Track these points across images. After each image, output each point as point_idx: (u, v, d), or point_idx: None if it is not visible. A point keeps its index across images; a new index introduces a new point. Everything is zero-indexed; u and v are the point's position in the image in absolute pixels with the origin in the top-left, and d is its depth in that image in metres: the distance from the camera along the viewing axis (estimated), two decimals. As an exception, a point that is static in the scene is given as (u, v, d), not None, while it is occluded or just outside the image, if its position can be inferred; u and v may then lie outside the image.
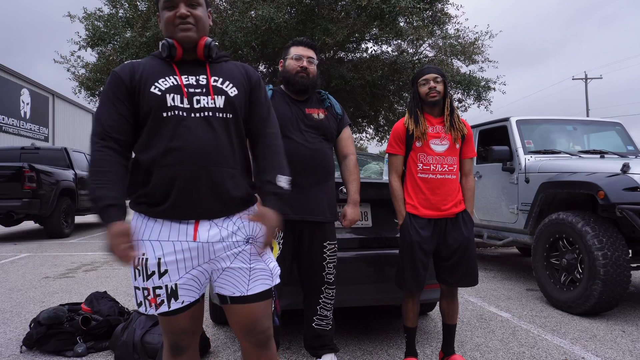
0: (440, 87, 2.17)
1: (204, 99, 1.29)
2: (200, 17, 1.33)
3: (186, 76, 1.31)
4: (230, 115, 1.32)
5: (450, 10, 14.87)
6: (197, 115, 1.27)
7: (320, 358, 2.23)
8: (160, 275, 1.25)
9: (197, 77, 1.32)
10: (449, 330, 2.29)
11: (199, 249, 1.27)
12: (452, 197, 2.18)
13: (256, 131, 1.42)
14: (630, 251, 3.41)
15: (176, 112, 1.26)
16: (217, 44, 1.38)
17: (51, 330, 2.51)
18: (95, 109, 11.85)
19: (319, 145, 2.16)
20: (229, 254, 1.31)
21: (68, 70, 10.98)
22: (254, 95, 1.42)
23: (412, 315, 2.27)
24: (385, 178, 2.98)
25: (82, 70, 10.94)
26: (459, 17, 18.98)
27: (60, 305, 2.78)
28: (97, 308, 2.75)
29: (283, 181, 1.38)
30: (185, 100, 1.27)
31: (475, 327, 3.05)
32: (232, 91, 1.34)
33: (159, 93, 1.26)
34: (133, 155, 1.33)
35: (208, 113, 1.28)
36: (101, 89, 11.08)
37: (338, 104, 2.35)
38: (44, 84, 23.76)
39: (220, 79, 1.34)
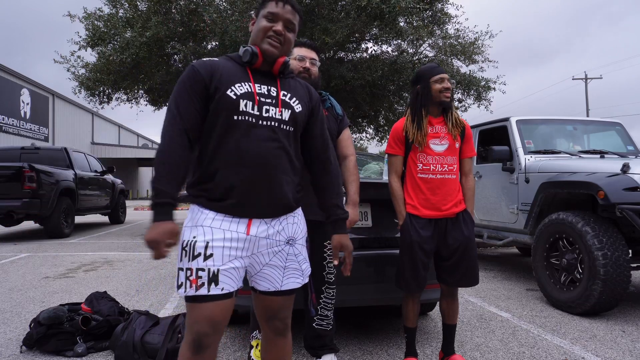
0: (452, 88, 2.18)
1: (272, 110, 1.39)
2: (290, 40, 1.45)
3: (259, 85, 1.40)
4: (292, 129, 1.43)
5: (450, 10, 14.90)
6: (265, 123, 1.37)
7: (320, 358, 2.23)
8: (206, 257, 1.30)
9: (269, 88, 1.42)
10: (449, 330, 2.29)
11: (247, 241, 1.36)
12: (452, 197, 2.17)
13: (318, 150, 1.55)
14: (630, 251, 3.41)
15: (247, 117, 1.34)
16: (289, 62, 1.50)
17: (51, 330, 2.51)
18: (93, 107, 11.84)
19: None
20: (270, 251, 1.41)
21: (68, 70, 10.97)
22: (315, 115, 1.54)
23: (412, 315, 2.27)
24: (385, 178, 2.98)
25: (82, 70, 10.93)
26: (459, 17, 19.00)
27: (60, 305, 2.78)
28: (97, 308, 2.76)
29: (342, 203, 1.55)
30: (256, 108, 1.36)
31: (475, 327, 3.05)
32: (298, 107, 1.45)
33: (234, 97, 1.34)
34: (199, 151, 1.39)
35: (274, 123, 1.38)
36: (101, 89, 11.10)
37: (338, 104, 2.35)
38: (44, 83, 23.78)
39: (289, 95, 1.45)
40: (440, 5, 10.01)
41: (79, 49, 10.28)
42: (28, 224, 10.33)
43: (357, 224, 2.60)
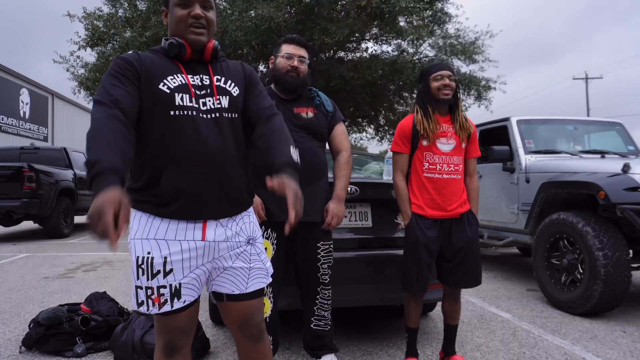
0: (453, 85, 2.13)
1: (209, 100, 1.30)
2: (212, 20, 1.33)
3: (191, 76, 1.31)
4: (235, 115, 1.34)
5: (451, 9, 14.88)
6: (206, 116, 1.28)
7: (320, 358, 2.22)
8: (166, 274, 1.25)
9: (201, 77, 1.32)
10: (450, 331, 2.28)
11: (205, 248, 1.29)
12: (458, 197, 2.16)
13: (258, 113, 1.37)
14: (630, 251, 3.40)
15: (184, 111, 1.25)
16: (219, 45, 1.38)
17: (50, 331, 2.50)
18: (90, 107, 11.87)
19: (308, 144, 2.11)
20: (231, 254, 1.34)
21: (67, 70, 10.97)
22: (251, 89, 1.42)
23: (414, 315, 2.25)
24: (385, 178, 2.97)
25: (82, 70, 10.93)
26: (459, 16, 18.99)
27: (60, 305, 2.77)
28: (96, 308, 2.75)
29: (295, 154, 1.31)
30: (194, 100, 1.27)
31: (476, 328, 3.04)
32: (235, 90, 1.35)
33: (168, 91, 1.24)
34: (140, 154, 1.27)
35: (215, 114, 1.29)
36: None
37: (329, 100, 2.28)
38: (45, 82, 23.76)
39: (223, 79, 1.35)
40: (440, 4, 10.00)
41: (79, 49, 10.27)
42: (27, 224, 10.32)
43: (357, 224, 2.59)
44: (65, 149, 8.88)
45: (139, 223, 1.28)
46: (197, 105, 1.27)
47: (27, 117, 22.06)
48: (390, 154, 2.45)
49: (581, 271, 3.31)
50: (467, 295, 3.92)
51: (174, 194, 1.24)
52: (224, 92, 1.33)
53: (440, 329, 2.96)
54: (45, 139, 23.78)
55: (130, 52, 1.31)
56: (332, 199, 2.15)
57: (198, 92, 1.29)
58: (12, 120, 20.71)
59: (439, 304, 2.35)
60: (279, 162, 1.25)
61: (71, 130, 27.16)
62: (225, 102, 1.31)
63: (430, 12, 9.97)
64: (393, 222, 2.62)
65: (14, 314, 3.26)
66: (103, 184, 0.97)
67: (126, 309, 2.89)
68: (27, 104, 22.11)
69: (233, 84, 1.36)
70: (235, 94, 1.35)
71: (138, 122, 1.25)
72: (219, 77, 1.34)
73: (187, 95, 1.27)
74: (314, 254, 2.14)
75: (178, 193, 1.24)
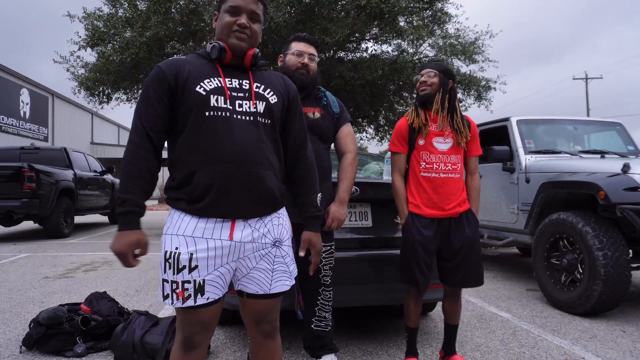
0: (432, 81, 2.15)
1: (245, 103, 1.36)
2: (256, 32, 1.42)
3: (230, 79, 1.37)
4: (269, 121, 1.39)
5: (450, 9, 14.87)
6: (239, 117, 1.33)
7: (320, 358, 2.23)
8: (191, 270, 1.29)
9: (241, 82, 1.38)
10: (450, 331, 2.29)
11: (231, 247, 1.33)
12: (456, 197, 2.15)
13: (295, 145, 1.52)
14: (630, 251, 3.41)
15: (219, 112, 1.31)
16: (260, 53, 1.45)
17: (51, 331, 2.50)
18: (93, 107, 11.84)
19: (313, 146, 2.10)
20: (256, 255, 1.38)
21: (67, 70, 10.96)
22: (292, 108, 1.51)
23: (414, 315, 2.26)
24: (385, 178, 2.97)
25: (82, 71, 10.91)
26: (459, 16, 18.97)
27: (60, 305, 2.78)
28: (96, 308, 2.75)
29: (318, 201, 1.54)
30: (228, 102, 1.33)
31: (476, 328, 3.04)
32: (272, 99, 1.41)
33: (204, 93, 1.31)
34: (173, 153, 1.36)
35: (249, 117, 1.35)
36: (100, 89, 11.08)
37: (337, 101, 2.29)
38: (45, 82, 23.76)
39: (262, 86, 1.42)
40: (440, 4, 9.99)
41: (79, 49, 10.25)
42: (27, 224, 10.32)
43: (357, 224, 2.59)
44: (65, 149, 8.88)
45: (172, 220, 1.34)
46: (231, 107, 1.33)
47: (27, 117, 22.06)
48: (390, 153, 2.46)
49: (581, 271, 3.32)
50: (467, 295, 3.93)
51: (205, 189, 1.29)
52: (261, 98, 1.39)
53: (440, 329, 2.96)
54: (46, 139, 23.78)
55: (172, 58, 1.39)
56: (335, 201, 2.14)
57: (234, 94, 1.35)
58: (12, 120, 20.71)
59: (439, 303, 2.35)
60: (308, 213, 1.51)
61: (71, 130, 27.15)
62: (261, 107, 1.37)
63: (430, 12, 9.96)
64: (393, 222, 2.62)
65: (14, 313, 3.27)
66: (128, 225, 1.26)
67: (126, 308, 2.90)
68: (27, 104, 22.10)
69: (272, 92, 1.42)
70: (272, 102, 1.40)
71: (176, 124, 1.35)
72: (259, 85, 1.41)
73: (222, 97, 1.33)
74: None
75: (208, 189, 1.29)
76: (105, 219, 12.30)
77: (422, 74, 2.19)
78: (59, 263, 5.45)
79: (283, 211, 1.47)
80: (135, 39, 9.06)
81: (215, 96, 1.32)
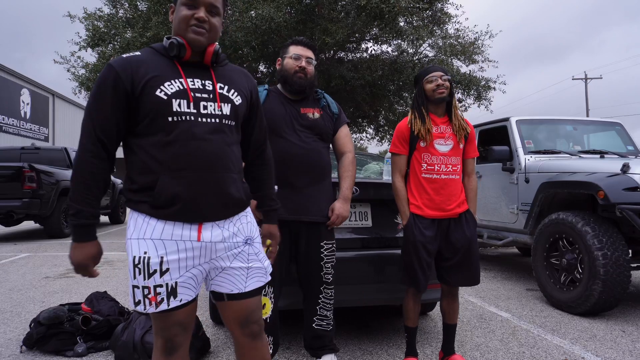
0: (447, 85, 2.17)
1: (210, 105, 1.30)
2: (215, 25, 1.33)
3: (192, 79, 1.30)
4: (233, 123, 1.36)
5: (450, 9, 14.88)
6: (204, 120, 1.28)
7: (320, 358, 2.23)
8: (162, 273, 1.26)
9: (203, 82, 1.32)
10: (449, 330, 2.29)
11: (201, 248, 1.30)
12: (456, 198, 2.18)
13: (257, 142, 1.52)
14: (630, 251, 3.41)
15: (183, 117, 1.26)
16: (220, 48, 1.39)
17: (51, 330, 2.51)
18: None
19: (313, 145, 2.14)
20: (229, 254, 1.35)
21: (68, 70, 10.97)
22: (254, 106, 1.48)
23: (413, 315, 2.27)
24: (385, 178, 2.98)
25: (82, 71, 10.92)
26: (459, 16, 18.99)
27: (60, 305, 2.78)
28: (97, 308, 2.75)
29: (275, 193, 1.59)
30: (192, 105, 1.27)
31: (475, 327, 3.05)
32: (237, 100, 1.37)
33: (165, 97, 1.24)
34: (133, 154, 1.29)
35: (215, 120, 1.30)
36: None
37: (335, 102, 2.33)
38: (46, 82, 23.80)
39: (226, 87, 1.36)
40: (440, 5, 10.00)
41: (79, 50, 10.26)
42: (28, 224, 10.33)
43: (357, 224, 2.60)
44: (66, 149, 8.88)
45: (136, 223, 1.29)
46: (195, 110, 1.27)
47: (27, 117, 22.08)
48: (390, 154, 2.47)
49: (580, 271, 3.32)
50: (467, 295, 3.93)
51: (170, 198, 1.25)
52: (226, 100, 1.34)
53: (440, 329, 2.97)
54: (46, 139, 23.80)
55: (125, 55, 1.29)
56: (339, 198, 2.18)
57: (198, 95, 1.29)
58: (12, 121, 20.72)
59: (439, 303, 2.36)
60: (268, 207, 1.57)
61: (72, 130, 27.17)
62: (226, 109, 1.33)
63: (430, 13, 9.97)
64: (393, 222, 2.63)
65: (14, 313, 3.27)
66: (84, 237, 1.25)
67: (127, 308, 2.90)
68: (27, 104, 22.12)
69: (236, 93, 1.37)
70: (237, 103, 1.37)
71: (136, 126, 1.27)
72: (222, 85, 1.35)
73: (185, 101, 1.26)
74: (318, 253, 2.15)
75: (173, 198, 1.25)
76: (105, 219, 12.30)
77: (436, 76, 2.18)
78: (60, 263, 5.46)
79: (249, 210, 1.45)
80: (135, 40, 9.07)
81: (178, 100, 1.25)
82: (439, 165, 2.16)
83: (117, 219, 11.11)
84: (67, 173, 8.30)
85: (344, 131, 2.29)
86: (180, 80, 1.28)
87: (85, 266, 1.24)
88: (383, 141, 14.87)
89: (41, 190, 7.24)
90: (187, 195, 1.25)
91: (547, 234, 3.64)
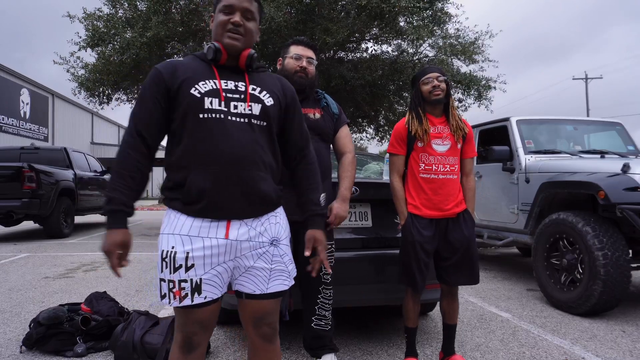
0: (443, 86, 2.18)
1: (241, 105, 1.35)
2: (251, 30, 1.41)
3: (225, 81, 1.37)
4: (265, 124, 1.39)
5: (451, 9, 14.88)
6: (234, 119, 1.33)
7: (320, 358, 2.23)
8: (187, 269, 1.29)
9: (236, 83, 1.38)
10: (449, 330, 2.29)
11: (227, 245, 1.33)
12: (454, 197, 2.18)
13: (297, 146, 1.53)
14: (630, 251, 3.41)
15: (213, 114, 1.31)
16: (257, 54, 1.44)
17: (51, 331, 2.50)
18: (93, 108, 11.84)
19: (314, 145, 2.12)
20: (254, 253, 1.37)
21: (67, 71, 10.95)
22: (290, 109, 1.50)
23: (412, 315, 2.27)
24: (385, 178, 2.98)
25: (82, 71, 10.90)
26: (459, 16, 18.97)
27: (60, 305, 2.78)
28: (96, 308, 2.75)
29: (322, 200, 1.54)
30: (223, 104, 1.33)
31: (476, 327, 3.05)
32: (269, 101, 1.41)
33: (198, 95, 1.31)
34: (170, 155, 1.36)
35: (244, 119, 1.35)
36: (101, 89, 11.08)
37: (335, 103, 2.33)
38: (45, 82, 23.79)
39: (259, 88, 1.41)
40: (440, 4, 9.99)
41: (79, 50, 10.24)
42: (28, 224, 10.33)
43: (357, 224, 2.60)
44: (65, 149, 8.87)
45: (169, 219, 1.34)
46: (226, 109, 1.33)
47: (27, 117, 22.07)
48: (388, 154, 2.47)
49: (581, 271, 3.32)
50: (467, 295, 3.93)
51: (198, 193, 1.29)
52: (256, 100, 1.38)
53: (440, 329, 2.97)
54: (46, 139, 23.79)
55: (169, 60, 1.40)
56: (337, 198, 2.17)
57: (230, 96, 1.35)
58: (12, 120, 20.72)
59: (439, 304, 2.36)
60: (311, 211, 1.50)
61: (71, 130, 27.16)
62: (256, 109, 1.37)
63: (430, 12, 9.96)
64: (393, 222, 2.63)
65: (14, 313, 3.27)
66: (114, 224, 1.28)
67: (126, 308, 2.90)
68: (27, 104, 22.11)
69: (267, 95, 1.42)
70: (268, 104, 1.40)
71: (172, 126, 1.36)
72: (254, 87, 1.40)
73: (217, 99, 1.33)
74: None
75: (202, 192, 1.29)
76: (105, 219, 12.30)
77: (432, 77, 2.18)
78: (59, 263, 5.45)
79: (280, 210, 1.46)
80: (135, 40, 9.05)
81: (210, 98, 1.32)
82: (436, 165, 2.16)
83: (117, 219, 11.08)
84: (67, 173, 8.30)
85: (344, 131, 2.30)
86: (214, 81, 1.36)
87: (109, 252, 1.25)
88: (383, 141, 14.86)
89: (41, 190, 7.24)
90: (214, 190, 1.29)
91: (548, 234, 3.64)
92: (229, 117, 1.32)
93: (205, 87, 1.33)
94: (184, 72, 1.35)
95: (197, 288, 1.29)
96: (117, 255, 1.27)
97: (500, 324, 3.12)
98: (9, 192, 7.02)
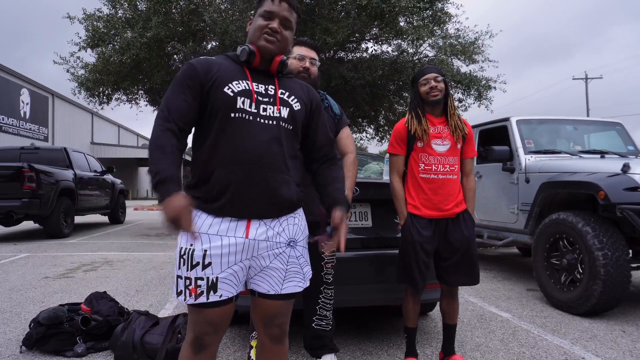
0: (441, 86, 2.18)
1: (270, 108, 1.37)
2: (287, 38, 1.43)
3: (257, 83, 1.39)
4: (291, 127, 1.41)
5: (451, 9, 14.88)
6: (262, 121, 1.35)
7: (320, 358, 2.23)
8: (204, 266, 1.30)
9: (266, 87, 1.41)
10: (449, 330, 2.29)
11: (245, 244, 1.33)
12: (454, 197, 2.18)
13: (323, 150, 1.53)
14: (630, 251, 3.41)
15: (244, 115, 1.33)
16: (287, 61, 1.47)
17: (51, 331, 2.50)
18: (93, 108, 11.84)
19: None
20: (270, 254, 1.38)
21: (67, 71, 10.95)
22: (315, 115, 1.52)
23: (412, 315, 2.27)
24: (385, 178, 2.98)
25: (82, 71, 10.90)
26: (459, 16, 18.99)
27: (60, 305, 2.78)
28: (96, 308, 2.75)
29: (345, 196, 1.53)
30: (254, 105, 1.35)
31: (476, 327, 3.05)
32: (296, 106, 1.43)
33: (232, 94, 1.33)
34: (197, 152, 1.37)
35: (272, 122, 1.36)
36: (100, 89, 11.08)
37: (336, 104, 2.34)
38: (45, 82, 23.79)
39: (287, 93, 1.44)
40: (440, 4, 10.00)
41: (79, 50, 10.24)
42: (28, 224, 10.33)
43: (357, 224, 2.60)
44: (65, 149, 8.88)
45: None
46: (256, 111, 1.35)
47: (27, 117, 22.08)
48: (388, 154, 2.48)
49: (581, 271, 3.32)
50: (467, 295, 3.93)
51: (221, 189, 1.31)
52: (285, 104, 1.41)
53: (440, 329, 2.97)
54: (46, 139, 23.80)
55: (202, 57, 1.41)
56: None
57: (260, 99, 1.37)
58: (12, 120, 20.73)
59: (439, 304, 2.36)
60: (338, 198, 1.45)
61: (71, 130, 27.17)
62: (285, 113, 1.39)
63: (430, 12, 9.96)
64: (393, 222, 2.63)
65: (14, 313, 3.27)
66: (170, 190, 1.19)
67: (126, 308, 2.90)
68: (27, 104, 22.12)
69: (295, 100, 1.44)
70: (296, 109, 1.42)
71: (202, 123, 1.37)
72: (284, 91, 1.43)
73: (249, 100, 1.35)
74: (317, 253, 2.15)
75: (225, 188, 1.30)
76: (105, 219, 12.31)
77: (429, 78, 2.19)
78: (59, 263, 5.45)
79: (299, 212, 1.47)
80: (135, 40, 9.05)
81: (242, 98, 1.33)
82: (436, 165, 2.16)
83: (117, 219, 11.11)
84: (67, 173, 8.30)
85: (345, 132, 2.30)
86: (247, 81, 1.38)
87: (178, 218, 1.16)
88: (383, 141, 14.87)
89: (40, 190, 7.24)
90: (237, 189, 1.31)
91: (548, 234, 3.64)
92: (258, 119, 1.34)
93: (238, 87, 1.34)
94: (217, 70, 1.36)
95: (212, 286, 1.30)
96: (187, 216, 1.18)
97: (500, 324, 3.12)
98: (9, 192, 7.02)
